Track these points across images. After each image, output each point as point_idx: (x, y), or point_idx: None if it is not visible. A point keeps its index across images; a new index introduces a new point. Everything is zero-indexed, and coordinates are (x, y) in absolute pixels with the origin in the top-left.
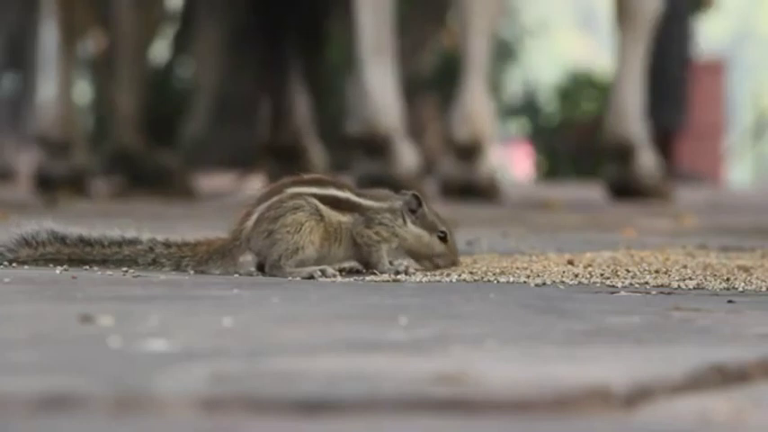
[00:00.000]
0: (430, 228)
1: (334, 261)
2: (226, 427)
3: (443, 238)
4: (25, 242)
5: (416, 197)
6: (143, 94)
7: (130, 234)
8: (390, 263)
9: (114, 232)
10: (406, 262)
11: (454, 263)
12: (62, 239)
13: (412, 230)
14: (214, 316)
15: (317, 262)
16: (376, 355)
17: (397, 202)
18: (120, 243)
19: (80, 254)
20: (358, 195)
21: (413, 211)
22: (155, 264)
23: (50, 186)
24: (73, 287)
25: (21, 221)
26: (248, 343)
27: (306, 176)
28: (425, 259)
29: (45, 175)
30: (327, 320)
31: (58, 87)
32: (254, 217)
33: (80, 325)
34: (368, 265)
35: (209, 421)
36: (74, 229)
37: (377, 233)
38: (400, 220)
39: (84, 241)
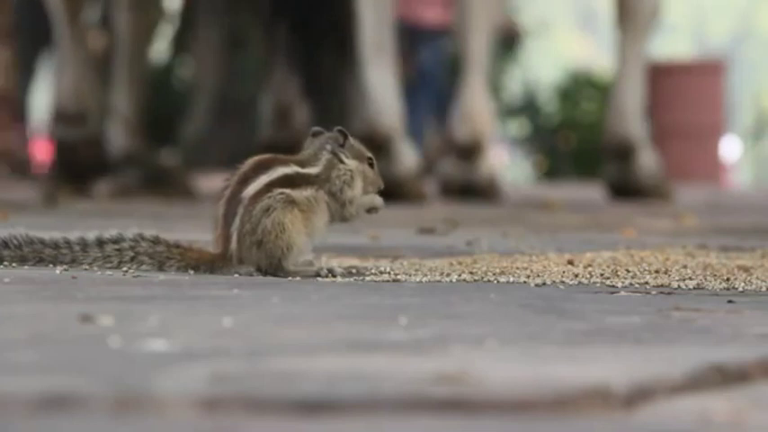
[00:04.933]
0: (360, 157)
1: (318, 235)
2: (226, 427)
3: (371, 165)
4: (4, 244)
5: (341, 131)
6: (143, 95)
7: (111, 233)
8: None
9: (92, 233)
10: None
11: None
12: (40, 242)
13: (352, 164)
14: (214, 316)
15: (308, 246)
16: (376, 355)
17: (325, 150)
18: (102, 243)
19: (56, 255)
20: (302, 165)
21: (341, 146)
22: (135, 261)
23: (71, 154)
24: (73, 287)
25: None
26: (248, 343)
27: (246, 168)
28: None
29: (63, 142)
30: (327, 320)
31: (68, 61)
32: (234, 238)
33: (80, 325)
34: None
35: (209, 421)
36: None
37: (345, 182)
38: (342, 162)
39: (60, 243)
